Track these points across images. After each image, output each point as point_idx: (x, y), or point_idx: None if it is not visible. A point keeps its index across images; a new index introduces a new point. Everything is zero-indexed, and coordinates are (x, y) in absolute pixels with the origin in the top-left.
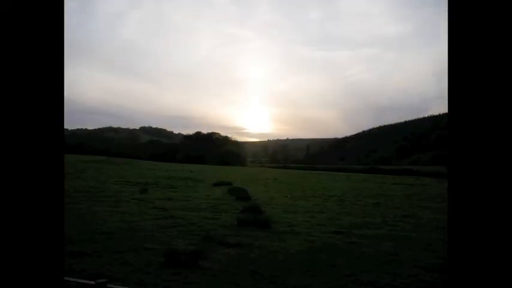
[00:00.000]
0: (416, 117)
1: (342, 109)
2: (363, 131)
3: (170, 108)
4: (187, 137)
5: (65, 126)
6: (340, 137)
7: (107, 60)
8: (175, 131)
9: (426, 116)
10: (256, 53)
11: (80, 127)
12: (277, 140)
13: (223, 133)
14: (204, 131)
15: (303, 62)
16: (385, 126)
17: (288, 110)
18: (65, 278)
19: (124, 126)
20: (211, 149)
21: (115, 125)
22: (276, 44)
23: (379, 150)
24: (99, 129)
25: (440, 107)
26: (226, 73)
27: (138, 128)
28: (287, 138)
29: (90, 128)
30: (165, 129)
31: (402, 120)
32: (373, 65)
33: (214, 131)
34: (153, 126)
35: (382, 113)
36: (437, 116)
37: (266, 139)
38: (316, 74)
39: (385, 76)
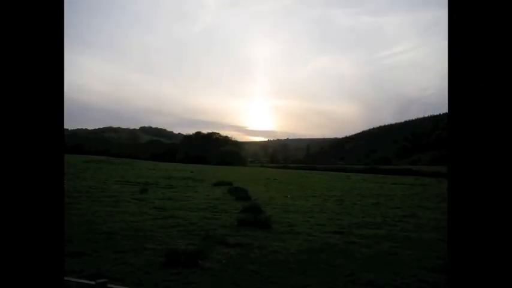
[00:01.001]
0: (416, 117)
1: (364, 101)
2: (363, 131)
3: (170, 106)
4: (187, 137)
5: (65, 126)
6: (341, 136)
7: (103, 46)
8: (175, 131)
9: (426, 116)
10: (278, 20)
11: (80, 127)
12: (277, 139)
13: (228, 131)
14: (205, 130)
15: (336, 34)
16: (385, 126)
17: (302, 103)
18: (65, 278)
19: (124, 126)
20: (211, 149)
21: (115, 125)
22: (306, 5)
23: (379, 150)
24: (99, 129)
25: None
26: (235, 52)
27: (138, 128)
28: (287, 138)
29: (90, 128)
30: (165, 129)
31: (402, 120)
32: (433, 36)
33: (215, 131)
34: (153, 126)
35: (406, 107)
36: (437, 116)
37: (274, 138)
38: (348, 52)
39: (440, 53)
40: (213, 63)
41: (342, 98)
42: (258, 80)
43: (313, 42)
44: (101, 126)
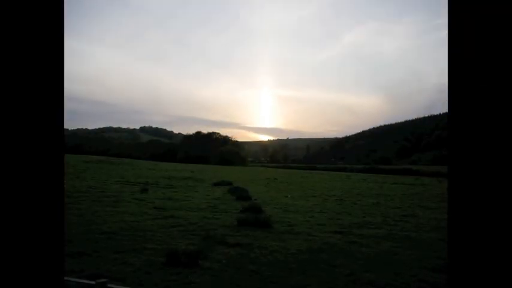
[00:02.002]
0: (416, 117)
1: (393, 91)
2: (363, 131)
3: (170, 100)
4: (187, 137)
5: (65, 126)
6: (341, 136)
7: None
8: (176, 131)
9: (426, 116)
10: None
11: (80, 127)
12: (278, 139)
13: (230, 129)
14: (207, 129)
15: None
16: (385, 126)
17: (321, 95)
18: (65, 278)
19: (124, 126)
20: (211, 148)
21: (115, 125)
22: None
23: (379, 150)
24: (99, 129)
25: None
26: (240, 22)
27: (138, 128)
28: (287, 138)
29: (90, 128)
30: (165, 129)
31: (402, 120)
32: None
33: (218, 129)
34: (153, 126)
35: (439, 101)
36: (437, 116)
37: (285, 137)
38: (396, 20)
39: None
40: (215, 42)
41: (369, 87)
42: (267, 64)
43: (351, 6)
44: (101, 126)
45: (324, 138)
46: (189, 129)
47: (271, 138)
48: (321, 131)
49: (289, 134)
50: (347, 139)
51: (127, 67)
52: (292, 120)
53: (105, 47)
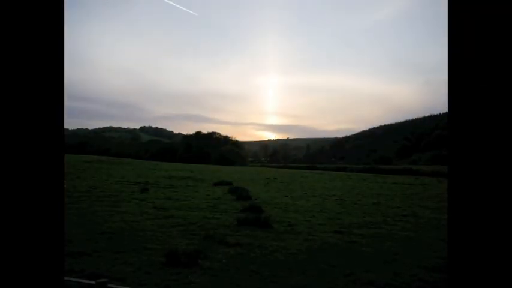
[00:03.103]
0: (416, 117)
1: (433, 80)
2: (363, 131)
3: (171, 98)
4: (187, 137)
5: (65, 126)
6: (341, 136)
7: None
8: (176, 131)
9: (426, 115)
10: None
11: (80, 127)
12: (278, 139)
13: (236, 126)
14: (212, 127)
15: None
16: (385, 125)
17: (344, 81)
18: (65, 278)
19: (124, 126)
20: (211, 148)
21: (115, 125)
22: None
23: (379, 150)
24: (99, 129)
25: None
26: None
27: (138, 127)
28: (287, 138)
29: (90, 128)
30: (165, 129)
31: (402, 120)
32: None
33: (217, 127)
34: (153, 126)
35: None
36: (437, 115)
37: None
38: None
39: None
40: (217, 16)
41: (407, 70)
42: (277, 43)
43: None
44: (101, 126)
45: (324, 138)
46: (188, 127)
47: (272, 137)
48: (334, 128)
49: (298, 133)
50: (347, 139)
51: (125, 63)
52: (302, 116)
53: (103, 41)
